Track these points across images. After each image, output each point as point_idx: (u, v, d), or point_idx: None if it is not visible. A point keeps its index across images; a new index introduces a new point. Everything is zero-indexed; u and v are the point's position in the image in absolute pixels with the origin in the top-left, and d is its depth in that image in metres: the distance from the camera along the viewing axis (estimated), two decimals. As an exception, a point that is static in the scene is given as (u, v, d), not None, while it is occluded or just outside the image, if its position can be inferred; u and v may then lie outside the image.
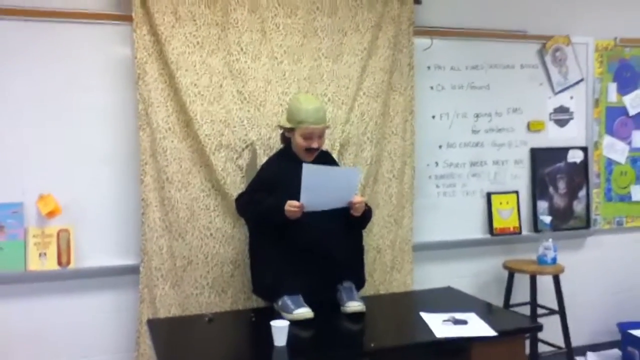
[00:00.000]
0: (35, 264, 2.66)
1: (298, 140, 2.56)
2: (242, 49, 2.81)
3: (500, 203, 3.49)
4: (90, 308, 2.77)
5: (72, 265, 2.70)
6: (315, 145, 2.54)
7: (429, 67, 3.33)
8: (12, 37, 2.62)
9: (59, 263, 2.69)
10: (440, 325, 2.33)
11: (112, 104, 2.76)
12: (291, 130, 2.58)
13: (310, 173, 2.31)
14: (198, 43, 2.74)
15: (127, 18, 2.71)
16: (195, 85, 2.72)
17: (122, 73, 2.76)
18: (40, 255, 2.66)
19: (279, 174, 2.54)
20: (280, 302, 2.43)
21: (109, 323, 2.79)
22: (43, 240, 2.67)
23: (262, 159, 2.76)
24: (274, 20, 2.87)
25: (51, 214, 2.67)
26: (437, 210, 3.37)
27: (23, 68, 2.64)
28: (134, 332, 2.76)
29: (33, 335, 2.69)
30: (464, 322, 2.35)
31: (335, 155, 2.87)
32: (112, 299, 2.80)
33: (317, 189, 2.35)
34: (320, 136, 2.56)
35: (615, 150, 3.78)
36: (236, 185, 2.75)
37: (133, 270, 2.76)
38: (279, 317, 2.28)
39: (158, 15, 2.67)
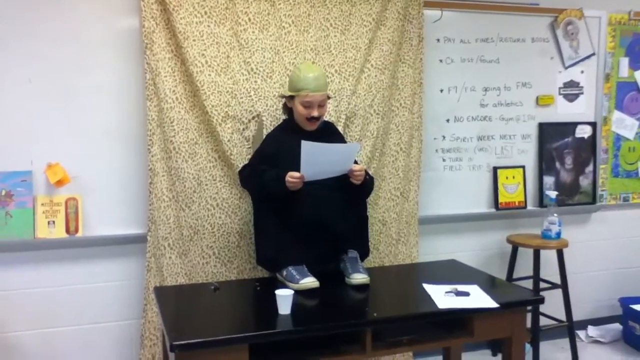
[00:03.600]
0: (43, 232, 2.69)
1: (298, 109, 2.56)
2: (249, 19, 2.79)
3: (507, 177, 3.49)
4: (98, 276, 2.82)
5: (80, 234, 2.74)
6: (315, 113, 2.54)
7: (438, 40, 3.30)
8: (17, 8, 2.61)
9: (67, 231, 2.72)
10: (442, 296, 2.35)
11: (119, 74, 2.76)
12: (292, 98, 2.58)
13: (308, 150, 2.33)
14: (206, 13, 2.72)
15: (134, -14, 2.69)
16: (202, 55, 2.71)
17: (130, 43, 2.75)
18: (48, 223, 2.70)
19: (281, 145, 2.55)
20: (285, 273, 2.47)
21: (117, 291, 2.84)
22: (52, 209, 2.70)
23: (269, 130, 2.76)
24: (282, -11, 2.84)
25: (60, 183, 2.69)
26: (443, 184, 3.37)
27: (30, 39, 2.63)
28: (141, 299, 2.81)
29: (42, 302, 2.75)
30: (466, 294, 2.37)
31: (340, 128, 2.87)
32: (119, 267, 2.84)
33: (317, 164, 2.37)
34: (321, 105, 2.56)
35: (625, 125, 3.75)
36: (242, 156, 2.76)
37: (140, 239, 2.79)
38: (284, 287, 2.31)
39: (165, -17, 2.65)
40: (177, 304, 2.38)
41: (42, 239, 2.69)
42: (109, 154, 2.78)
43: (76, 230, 2.74)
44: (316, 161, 2.36)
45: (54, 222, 2.70)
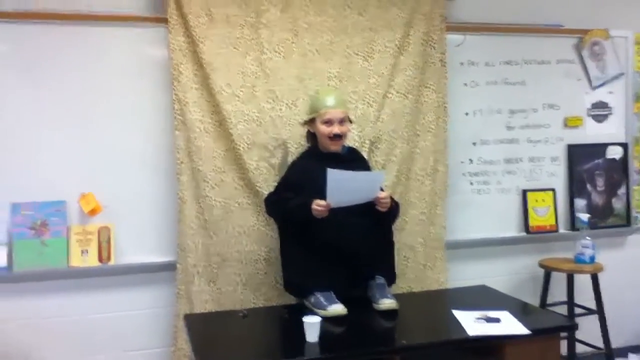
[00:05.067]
0: (77, 261, 2.75)
1: (320, 129, 2.59)
2: (274, 49, 2.85)
3: (536, 200, 3.44)
4: (129, 303, 2.86)
5: (112, 262, 2.79)
6: (336, 130, 2.56)
7: (462, 63, 3.31)
8: (52, 40, 2.72)
9: (100, 259, 2.78)
10: (472, 323, 2.31)
11: (148, 105, 2.84)
12: (313, 122, 2.61)
13: (334, 178, 2.34)
14: (231, 44, 2.79)
15: (163, 20, 2.77)
16: (228, 85, 2.77)
17: (158, 74, 2.83)
18: (82, 252, 2.76)
19: (305, 173, 2.57)
20: (312, 299, 2.46)
21: (148, 318, 2.87)
22: (85, 238, 2.77)
23: (294, 158, 2.79)
24: (305, 19, 2.89)
25: (92, 212, 2.76)
26: (472, 208, 3.34)
27: (64, 70, 2.74)
28: (172, 327, 2.83)
29: (74, 330, 2.79)
30: (497, 320, 2.33)
31: (365, 153, 2.88)
32: (150, 294, 2.88)
33: (342, 192, 2.38)
34: (341, 122, 2.58)
35: (657, 145, 3.67)
36: (268, 183, 2.79)
37: (170, 266, 2.83)
38: (311, 313, 2.30)
39: (192, 17, 2.73)
40: (206, 332, 2.38)
41: (76, 267, 2.75)
42: (140, 183, 2.84)
43: (108, 259, 2.79)
44: (342, 188, 2.37)
45: (87, 250, 2.76)
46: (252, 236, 2.82)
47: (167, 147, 2.83)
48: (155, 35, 2.82)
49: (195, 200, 2.78)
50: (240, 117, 2.78)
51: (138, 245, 2.84)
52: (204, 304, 2.78)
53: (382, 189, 2.55)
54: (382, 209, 2.50)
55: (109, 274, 2.82)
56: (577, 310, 3.23)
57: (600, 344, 3.26)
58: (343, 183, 2.37)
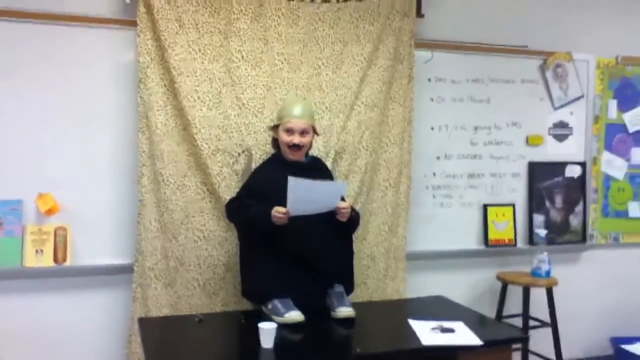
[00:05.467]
0: (31, 261, 2.71)
1: (281, 136, 2.62)
2: (243, 57, 2.87)
3: (497, 215, 3.51)
4: (84, 305, 2.82)
5: (68, 263, 2.75)
6: (296, 140, 2.58)
7: (429, 79, 3.37)
8: (18, 39, 2.69)
9: (55, 260, 2.74)
10: (427, 333, 2.34)
11: (113, 107, 2.82)
12: (277, 128, 2.64)
13: (295, 186, 2.36)
14: (200, 50, 2.80)
15: (132, 23, 2.77)
16: (195, 90, 2.78)
17: (125, 77, 2.82)
18: (36, 252, 2.72)
19: (268, 179, 2.58)
20: (270, 306, 2.46)
21: (103, 321, 2.84)
22: (40, 237, 2.73)
23: (258, 164, 2.80)
24: (277, 29, 2.92)
25: (50, 212, 2.72)
26: (433, 220, 3.39)
27: (28, 69, 2.71)
28: (127, 330, 2.80)
29: (28, 331, 2.74)
30: (451, 331, 2.36)
31: (329, 163, 2.91)
32: (106, 297, 2.85)
33: (303, 200, 2.40)
34: (303, 133, 2.60)
35: (614, 166, 3.79)
36: (231, 189, 2.79)
37: (127, 269, 2.80)
38: (269, 320, 2.31)
39: (162, 21, 2.73)
40: (160, 336, 2.36)
41: (30, 267, 2.71)
42: (100, 184, 2.82)
43: (64, 259, 2.75)
44: (303, 197, 2.39)
45: (42, 250, 2.72)
46: (212, 241, 2.81)
47: (130, 149, 2.82)
48: (123, 38, 2.81)
49: (156, 203, 2.77)
50: (205, 122, 2.78)
51: (95, 247, 2.81)
52: (160, 308, 2.76)
53: (343, 199, 2.57)
54: (342, 218, 2.52)
55: (64, 275, 2.78)
56: (532, 323, 3.29)
57: (552, 355, 3.33)
58: (304, 192, 2.39)
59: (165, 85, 2.76)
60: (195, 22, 2.79)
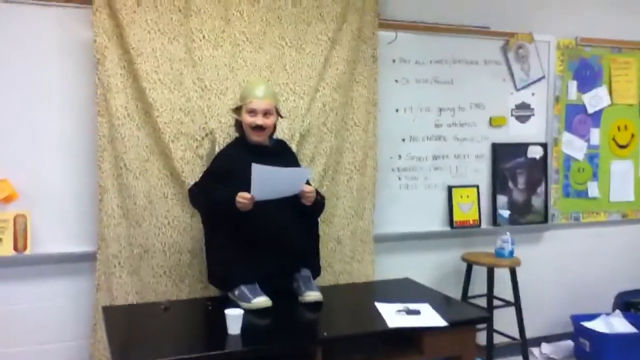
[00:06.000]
0: (-11, 250, 2.61)
1: (244, 118, 2.58)
2: (204, 36, 2.80)
3: (461, 196, 3.55)
4: (47, 294, 2.74)
5: (28, 251, 2.66)
6: (259, 121, 2.55)
7: (394, 60, 3.36)
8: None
9: (15, 248, 2.65)
10: (393, 315, 2.36)
11: (70, 89, 2.72)
12: (239, 110, 2.59)
13: (259, 173, 2.33)
14: (159, 29, 2.71)
15: (88, 1, 2.66)
16: (155, 72, 2.70)
17: (82, 57, 2.71)
18: (-6, 240, 2.62)
19: (231, 163, 2.54)
20: (237, 292, 2.44)
21: (66, 310, 2.77)
22: (-2, 226, 2.63)
23: (222, 148, 2.74)
24: (238, 7, 2.85)
25: (7, 199, 2.63)
26: (399, 203, 3.41)
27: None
28: (91, 319, 2.74)
29: (-13, 321, 2.66)
30: (417, 313, 2.39)
31: (294, 146, 2.88)
32: (69, 285, 2.77)
33: (267, 186, 2.37)
34: (266, 114, 2.57)
35: (574, 147, 3.87)
36: (195, 174, 2.74)
37: (90, 257, 2.74)
38: (236, 306, 2.29)
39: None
40: (125, 324, 2.32)
41: (-13, 256, 2.61)
42: (59, 169, 2.72)
43: (24, 248, 2.66)
44: (267, 183, 2.36)
45: (1, 239, 2.63)
46: (176, 227, 2.76)
47: (89, 133, 2.73)
48: (79, 16, 2.70)
49: (118, 189, 2.70)
50: (167, 105, 2.71)
51: (56, 235, 2.73)
52: (125, 296, 2.70)
53: (308, 183, 2.55)
54: (306, 202, 2.51)
55: (25, 263, 2.69)
56: (496, 302, 3.36)
57: (516, 334, 3.42)
58: (268, 178, 2.36)
59: (124, 67, 2.68)
60: (153, 0, 2.70)
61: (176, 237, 2.76)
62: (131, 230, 2.71)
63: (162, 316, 2.37)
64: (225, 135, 2.81)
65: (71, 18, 2.70)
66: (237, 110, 2.64)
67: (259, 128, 2.56)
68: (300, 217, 2.54)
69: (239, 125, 2.66)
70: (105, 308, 2.50)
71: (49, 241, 2.71)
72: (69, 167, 2.73)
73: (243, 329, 2.13)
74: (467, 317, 2.51)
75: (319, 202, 2.62)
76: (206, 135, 2.79)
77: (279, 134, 2.78)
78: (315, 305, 2.46)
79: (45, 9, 2.66)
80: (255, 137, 2.58)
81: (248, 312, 2.24)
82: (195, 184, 2.64)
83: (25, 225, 2.66)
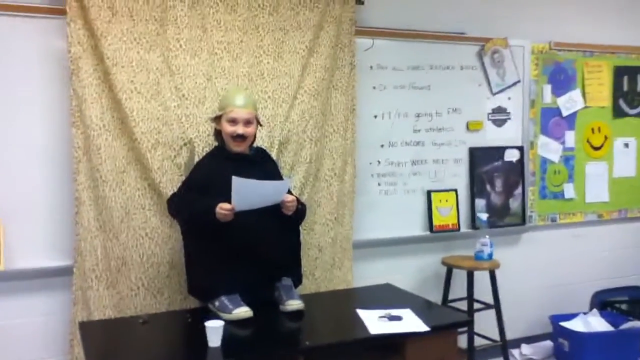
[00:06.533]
0: (-40, 266, 2.55)
1: (225, 127, 2.56)
2: (181, 45, 2.78)
3: (440, 201, 3.58)
4: (22, 311, 2.68)
5: (2, 267, 2.60)
6: (240, 131, 2.53)
7: (371, 67, 3.37)
8: None
9: (-13, 264, 2.59)
10: (375, 321, 2.36)
11: (45, 100, 2.67)
12: (219, 119, 2.58)
13: (239, 186, 2.31)
14: (135, 39, 2.69)
15: (62, 12, 2.62)
16: (132, 81, 2.67)
17: (56, 68, 2.67)
18: (-34, 256, 2.56)
19: (211, 173, 2.52)
20: (217, 303, 2.42)
21: (42, 326, 2.71)
22: (-31, 241, 2.57)
23: (201, 157, 2.72)
24: (215, 16, 2.84)
25: (-21, 214, 2.57)
26: (379, 208, 3.42)
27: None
28: (68, 335, 2.69)
29: (-41, 340, 2.59)
30: (399, 318, 2.39)
31: (274, 154, 2.87)
32: (44, 301, 2.71)
33: (248, 198, 2.36)
34: (247, 123, 2.56)
35: (550, 149, 3.92)
36: (174, 183, 2.71)
37: (66, 271, 2.68)
38: (216, 317, 2.26)
39: (93, 9, 2.60)
40: (103, 340, 2.29)
41: (-41, 273, 2.55)
42: (34, 182, 2.67)
43: (-3, 264, 2.61)
44: (247, 195, 2.35)
45: (-27, 254, 2.57)
46: (155, 238, 2.73)
47: (64, 144, 2.69)
48: (53, 27, 2.65)
49: (94, 201, 2.66)
50: (143, 114, 2.68)
51: (31, 249, 2.67)
52: (103, 310, 2.66)
53: (290, 192, 2.54)
54: (287, 212, 2.50)
55: (-2, 279, 2.63)
56: (476, 305, 3.38)
57: (497, 336, 3.45)
58: (248, 190, 2.35)
59: (99, 77, 2.64)
60: (129, 10, 2.67)
61: (154, 249, 2.73)
62: (108, 242, 2.67)
63: (141, 330, 2.34)
64: (204, 144, 2.79)
65: (45, 29, 2.65)
66: (217, 119, 2.62)
67: (240, 137, 2.54)
68: (282, 226, 2.53)
69: (218, 134, 2.64)
70: (82, 324, 2.45)
71: (24, 256, 2.65)
72: (43, 179, 2.69)
73: (224, 340, 2.11)
74: (449, 321, 2.52)
75: (300, 211, 2.61)
76: (184, 144, 2.77)
77: (258, 142, 2.77)
78: (297, 314, 2.45)
79: (18, 20, 2.61)
80: (236, 147, 2.56)
81: (229, 323, 2.22)
82: (175, 194, 2.61)
83: (-2, 240, 2.61)
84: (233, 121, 2.54)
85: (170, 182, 2.72)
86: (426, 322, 2.35)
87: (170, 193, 2.67)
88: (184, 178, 2.71)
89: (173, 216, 2.64)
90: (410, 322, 2.36)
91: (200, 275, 2.49)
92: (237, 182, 2.30)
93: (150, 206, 2.73)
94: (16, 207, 2.64)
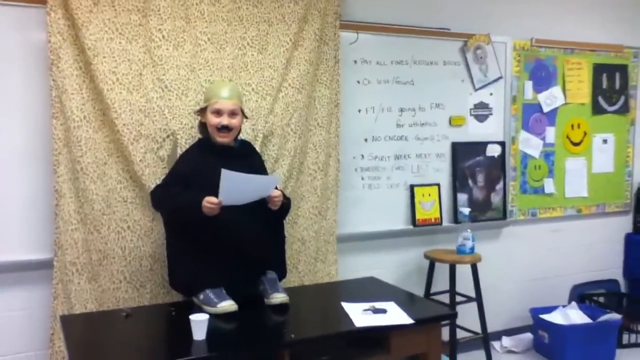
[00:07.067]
0: None
1: (209, 119, 2.53)
2: (164, 36, 2.74)
3: (423, 195, 3.59)
4: (1, 305, 2.63)
5: (-21, 261, 2.56)
6: (225, 122, 2.51)
7: (355, 61, 3.37)
8: None
9: (-36, 258, 2.53)
10: (360, 314, 2.37)
11: (24, 91, 2.62)
12: (204, 111, 2.55)
13: (228, 179, 2.29)
14: (117, 29, 2.65)
15: (42, 1, 2.56)
16: (113, 72, 2.63)
17: (35, 59, 2.62)
18: (-59, 250, 2.50)
19: (196, 165, 2.50)
20: (202, 296, 2.40)
21: (21, 320, 2.67)
22: (-55, 235, 2.51)
23: (184, 149, 2.70)
24: (198, 7, 2.81)
25: (-45, 207, 2.51)
26: (362, 202, 3.42)
27: None
28: (48, 329, 2.65)
29: None
30: (383, 311, 2.40)
31: (258, 146, 2.86)
32: (24, 295, 2.67)
33: (236, 191, 2.34)
34: (232, 114, 2.54)
35: (531, 145, 3.97)
36: (157, 176, 2.68)
37: (47, 264, 2.64)
38: (200, 311, 2.25)
39: (74, -1, 2.56)
40: (85, 333, 2.26)
41: None
42: (12, 174, 2.62)
43: (-26, 257, 2.55)
44: (236, 189, 2.33)
45: (-51, 249, 2.51)
46: (137, 231, 2.69)
47: (43, 136, 2.63)
48: (32, 16, 2.60)
49: (75, 193, 2.61)
50: (125, 106, 2.64)
51: (11, 242, 2.62)
52: (84, 304, 2.62)
53: (276, 187, 2.53)
54: (274, 207, 2.49)
55: (-24, 273, 2.58)
56: (458, 298, 3.41)
57: (478, 329, 3.48)
58: (237, 184, 2.33)
59: (80, 68, 2.59)
60: (110, 0, 2.63)
61: (137, 242, 2.69)
62: (89, 235, 2.63)
63: (124, 323, 2.31)
64: (187, 137, 2.76)
65: (23, 18, 2.60)
66: (201, 111, 2.59)
67: (225, 129, 2.52)
68: (266, 220, 2.51)
69: (203, 126, 2.61)
70: (63, 317, 2.41)
71: (3, 249, 2.61)
72: (23, 171, 2.63)
73: (208, 334, 2.10)
74: (433, 314, 2.53)
75: (285, 205, 2.60)
76: (167, 136, 2.73)
77: (241, 135, 2.75)
78: (282, 307, 2.45)
79: (-3, 8, 2.56)
80: (221, 139, 2.54)
81: (213, 317, 2.21)
82: (158, 186, 2.58)
83: (-25, 233, 2.55)
84: (218, 112, 2.52)
85: (153, 175, 2.69)
86: (410, 315, 2.36)
87: (152, 186, 2.64)
88: (166, 170, 2.68)
89: (157, 208, 2.61)
90: (395, 315, 2.37)
91: (184, 268, 2.46)
92: (226, 175, 2.28)
93: (132, 199, 2.69)
94: (-6, 200, 2.59)
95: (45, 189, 2.65)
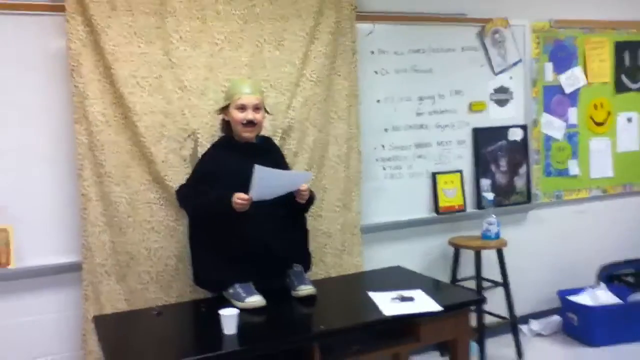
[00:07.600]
0: (-28, 267, 2.56)
1: (234, 115, 2.55)
2: (181, 37, 2.76)
3: (445, 182, 3.58)
4: (33, 308, 2.69)
5: (12, 266, 2.61)
6: (250, 116, 2.53)
7: (372, 52, 3.36)
8: None
9: (-2, 264, 2.60)
10: (388, 303, 2.38)
11: (46, 98, 2.66)
12: (227, 109, 2.57)
13: (261, 175, 2.31)
14: (135, 33, 2.67)
15: (61, 8, 2.60)
16: (133, 76, 2.66)
17: (58, 65, 2.66)
18: (-24, 257, 2.57)
19: (219, 163, 2.52)
20: (231, 291, 2.43)
21: (54, 323, 2.73)
22: (-21, 242, 2.58)
23: (205, 148, 2.72)
24: (214, 7, 2.82)
25: (-12, 215, 2.58)
26: (385, 192, 3.42)
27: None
28: (80, 330, 2.71)
29: (-26, 339, 2.61)
30: (411, 299, 2.41)
31: (277, 141, 2.87)
32: (55, 298, 2.73)
33: (267, 187, 2.36)
34: (256, 109, 2.56)
35: (553, 127, 3.92)
36: (179, 176, 2.71)
37: (76, 267, 2.69)
38: (230, 305, 2.28)
39: (92, 5, 2.59)
40: (117, 333, 2.30)
41: (-29, 274, 2.56)
42: (40, 181, 2.67)
43: (7, 262, 2.61)
44: (267, 185, 2.35)
45: (-18, 256, 2.58)
46: (161, 232, 2.73)
47: (68, 142, 2.68)
48: (52, 24, 2.64)
49: (100, 196, 2.66)
50: (146, 108, 2.68)
51: (40, 247, 2.67)
52: (114, 304, 2.67)
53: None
54: (301, 200, 2.51)
55: (9, 278, 2.63)
56: (485, 284, 3.40)
57: (505, 313, 3.47)
58: (269, 180, 2.35)
59: (100, 73, 2.63)
60: (128, 4, 2.66)
61: (161, 242, 2.73)
62: (116, 237, 2.67)
63: (155, 321, 2.36)
64: (207, 136, 2.78)
65: (43, 26, 2.64)
66: (224, 109, 2.61)
67: (251, 123, 2.54)
68: (289, 213, 2.53)
69: (226, 124, 2.63)
70: (96, 318, 2.47)
71: (33, 254, 2.66)
72: (50, 177, 2.68)
73: (238, 328, 2.13)
74: (461, 300, 2.53)
75: (311, 199, 2.62)
76: (188, 136, 2.76)
77: (261, 131, 2.77)
78: (309, 299, 2.47)
79: (16, 18, 2.60)
80: (246, 134, 2.55)
81: (242, 312, 2.23)
82: (184, 185, 2.62)
83: (7, 240, 2.60)
84: (242, 108, 2.54)
85: (176, 175, 2.72)
86: (438, 302, 2.36)
87: (176, 186, 2.68)
88: (189, 170, 2.71)
89: (183, 206, 2.64)
90: (423, 303, 2.38)
91: (212, 265, 2.49)
92: (259, 170, 2.29)
93: (156, 200, 2.72)
94: (24, 206, 2.64)
95: (70, 194, 2.70)
